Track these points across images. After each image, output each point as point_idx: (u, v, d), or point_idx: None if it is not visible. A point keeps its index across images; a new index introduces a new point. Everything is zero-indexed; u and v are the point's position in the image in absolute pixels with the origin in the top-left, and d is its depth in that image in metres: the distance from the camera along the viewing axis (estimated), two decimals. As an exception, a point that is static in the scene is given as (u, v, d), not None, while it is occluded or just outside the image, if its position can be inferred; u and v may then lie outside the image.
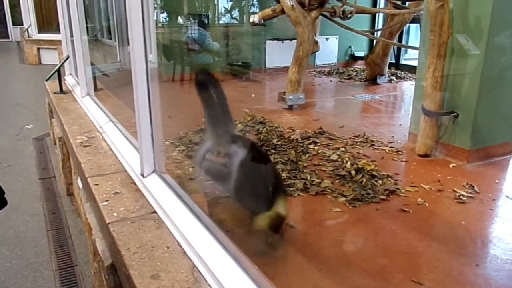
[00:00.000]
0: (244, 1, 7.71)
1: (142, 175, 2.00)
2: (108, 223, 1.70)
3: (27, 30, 11.61)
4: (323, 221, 2.31)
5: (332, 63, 7.69)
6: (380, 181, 2.62)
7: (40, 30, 11.65)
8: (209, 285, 1.33)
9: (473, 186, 2.60)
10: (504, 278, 1.82)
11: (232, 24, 7.47)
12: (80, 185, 2.61)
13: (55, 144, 4.19)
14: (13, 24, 16.61)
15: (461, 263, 1.91)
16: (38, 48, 11.44)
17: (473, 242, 2.12)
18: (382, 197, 2.44)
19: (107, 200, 1.90)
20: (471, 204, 2.42)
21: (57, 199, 3.62)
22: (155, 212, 1.79)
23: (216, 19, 7.52)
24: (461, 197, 2.47)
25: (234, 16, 7.74)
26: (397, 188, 2.55)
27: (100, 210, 1.84)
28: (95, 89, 3.96)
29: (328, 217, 2.29)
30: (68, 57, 4.54)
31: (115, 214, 1.77)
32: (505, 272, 1.85)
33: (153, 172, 2.01)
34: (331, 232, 2.19)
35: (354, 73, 6.93)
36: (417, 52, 3.54)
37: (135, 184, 2.06)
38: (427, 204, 2.39)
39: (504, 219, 2.30)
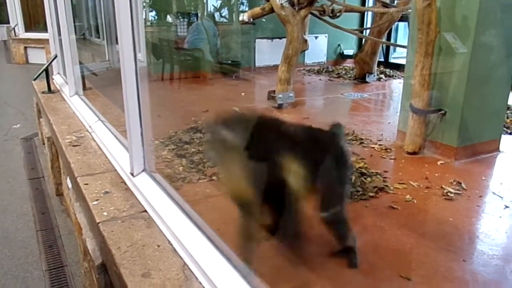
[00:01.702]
0: (233, 0, 7.71)
1: (132, 174, 2.00)
2: (98, 223, 1.70)
3: (14, 29, 11.46)
4: (312, 218, 2.32)
5: (322, 62, 7.72)
6: (369, 179, 2.65)
7: (27, 29, 11.51)
8: (200, 283, 1.33)
9: (461, 183, 2.63)
10: (490, 273, 1.85)
11: (222, 23, 7.46)
12: (70, 185, 2.59)
13: (44, 144, 4.15)
14: None
15: (449, 259, 1.93)
16: (25, 47, 11.31)
17: (461, 238, 2.15)
18: (371, 194, 2.47)
19: (97, 200, 1.89)
20: (459, 200, 2.46)
21: (46, 199, 3.59)
22: (145, 211, 1.79)
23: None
24: (448, 194, 2.51)
25: (223, 14, 7.73)
26: (386, 186, 2.58)
27: (90, 210, 1.84)
28: (84, 88, 3.94)
29: (318, 215, 2.31)
30: (56, 56, 4.51)
31: (105, 213, 1.77)
32: (492, 267, 1.88)
33: (143, 171, 2.01)
34: (320, 229, 2.20)
35: (343, 72, 6.97)
36: (405, 50, 3.57)
37: (125, 184, 2.06)
38: (415, 201, 2.42)
39: (490, 215, 2.33)
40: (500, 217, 2.31)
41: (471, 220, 2.30)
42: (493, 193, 2.59)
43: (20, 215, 3.30)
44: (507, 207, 2.40)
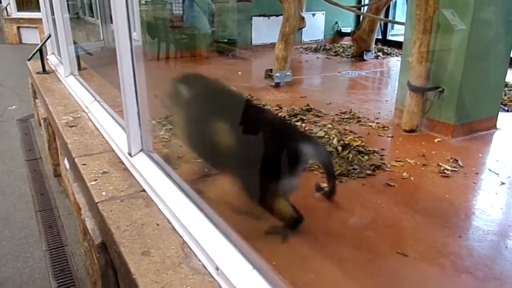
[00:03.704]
0: (229, -23, 7.57)
1: (130, 154, 2.00)
2: (97, 202, 1.71)
3: (6, 8, 11.26)
4: (310, 196, 2.33)
5: (319, 40, 7.64)
6: (366, 157, 2.66)
7: (20, 8, 11.30)
8: (199, 260, 1.35)
9: (457, 160, 2.65)
10: (485, 248, 1.88)
11: (218, 0, 7.35)
12: (67, 166, 2.60)
13: (40, 125, 4.14)
14: (-9, 2, 16.08)
15: (445, 234, 1.96)
16: (18, 27, 11.14)
17: (457, 215, 2.17)
18: (369, 172, 2.48)
19: (95, 180, 1.90)
20: (455, 177, 2.47)
21: (44, 180, 3.60)
22: (143, 190, 1.80)
23: (201, -5, 7.38)
24: (445, 171, 2.52)
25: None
26: (383, 163, 2.59)
27: (88, 190, 1.84)
28: (79, 68, 3.90)
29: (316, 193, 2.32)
30: (49, 36, 4.44)
31: (103, 193, 1.78)
32: (487, 243, 1.91)
33: (140, 151, 2.01)
34: (319, 207, 2.22)
35: (341, 50, 6.90)
36: (403, 27, 3.54)
37: (123, 164, 2.06)
38: (412, 179, 2.44)
39: (486, 192, 2.36)
40: (496, 193, 2.33)
41: (467, 197, 2.32)
42: (489, 170, 2.60)
43: (19, 196, 3.32)
44: (503, 183, 2.42)
